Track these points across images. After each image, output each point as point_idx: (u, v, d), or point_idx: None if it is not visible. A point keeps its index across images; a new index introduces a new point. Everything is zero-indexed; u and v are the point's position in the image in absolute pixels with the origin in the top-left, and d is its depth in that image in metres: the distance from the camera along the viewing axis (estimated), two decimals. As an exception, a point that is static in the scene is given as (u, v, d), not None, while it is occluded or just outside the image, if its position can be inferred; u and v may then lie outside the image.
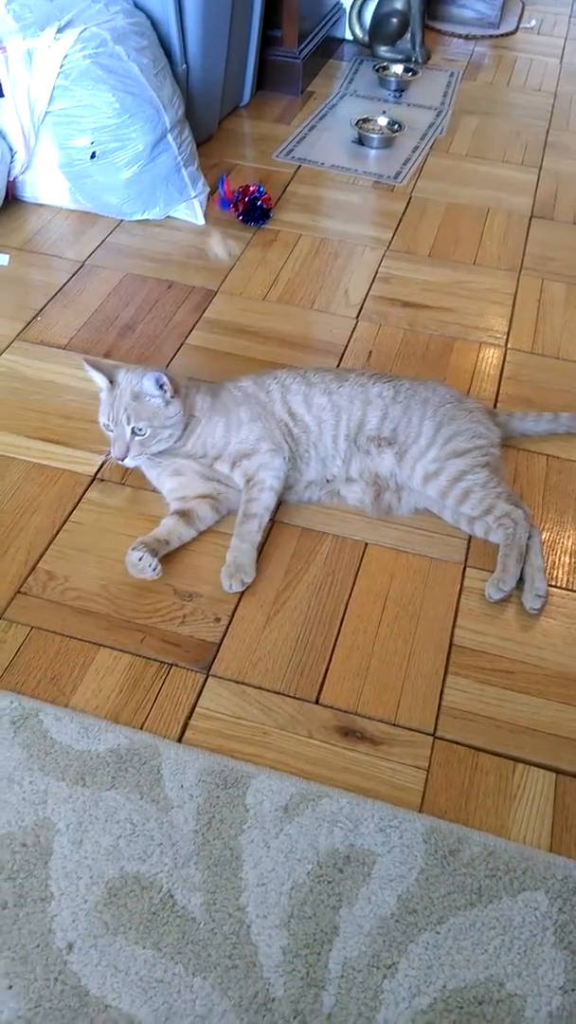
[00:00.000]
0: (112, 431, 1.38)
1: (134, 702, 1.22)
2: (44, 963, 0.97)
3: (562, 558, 1.45)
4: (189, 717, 1.21)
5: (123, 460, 1.38)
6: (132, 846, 1.07)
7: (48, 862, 1.05)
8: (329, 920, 1.02)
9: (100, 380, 1.38)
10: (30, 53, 1.99)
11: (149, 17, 2.17)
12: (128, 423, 1.36)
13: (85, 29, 2.01)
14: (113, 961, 0.98)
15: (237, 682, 1.26)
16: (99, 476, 1.54)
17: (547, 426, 1.63)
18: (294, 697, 1.24)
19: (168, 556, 1.40)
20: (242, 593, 1.37)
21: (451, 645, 1.31)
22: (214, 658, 1.28)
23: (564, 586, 1.40)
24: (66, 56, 1.99)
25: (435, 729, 1.21)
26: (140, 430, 1.36)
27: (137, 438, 1.37)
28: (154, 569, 1.33)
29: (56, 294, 1.95)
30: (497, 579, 1.36)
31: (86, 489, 1.51)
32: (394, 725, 1.21)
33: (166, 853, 1.07)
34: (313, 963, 0.98)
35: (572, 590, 1.40)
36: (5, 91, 2.01)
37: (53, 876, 1.04)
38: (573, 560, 1.44)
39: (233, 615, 1.34)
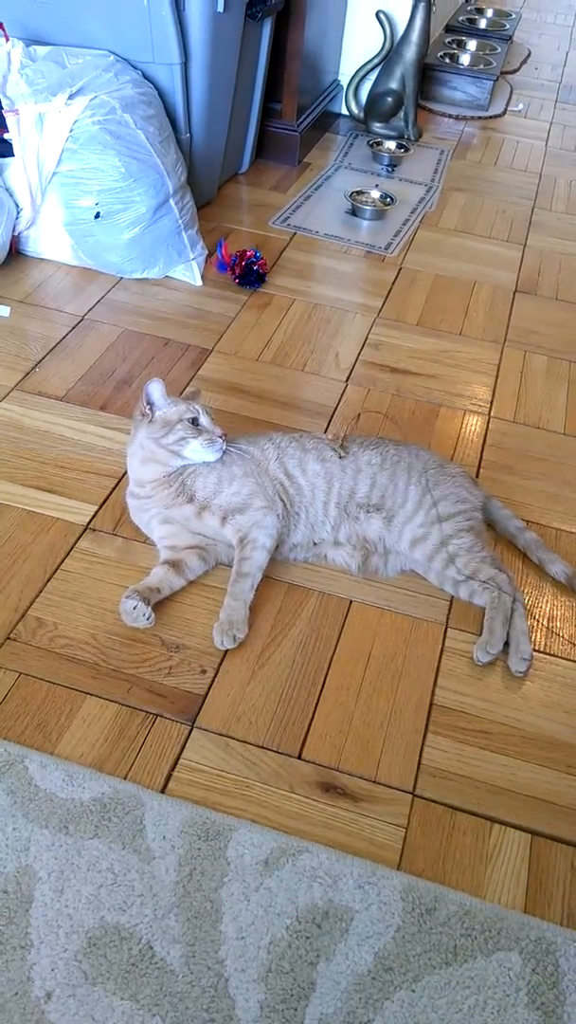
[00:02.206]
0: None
1: (119, 751, 1.24)
2: (22, 1012, 0.98)
3: (540, 622, 1.49)
4: (173, 768, 1.23)
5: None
6: (113, 896, 1.08)
7: (29, 910, 1.06)
8: (306, 975, 1.03)
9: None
10: (41, 117, 2.07)
11: (157, 88, 2.27)
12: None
13: (95, 97, 2.09)
14: (91, 1012, 0.98)
15: (221, 735, 1.28)
16: (91, 526, 1.57)
17: (512, 529, 1.60)
18: (277, 751, 1.26)
19: (156, 607, 1.43)
20: (228, 646, 1.39)
21: (431, 704, 1.34)
22: (199, 710, 1.30)
23: (542, 649, 1.44)
24: (76, 121, 2.07)
25: (414, 787, 1.24)
26: None
27: None
28: (148, 618, 1.36)
29: (55, 347, 2.00)
30: (485, 642, 1.40)
31: (78, 538, 1.54)
32: (374, 782, 1.24)
33: (147, 904, 1.08)
34: (290, 1018, 0.99)
35: (550, 653, 1.44)
36: (15, 151, 2.09)
37: (33, 924, 1.05)
38: (551, 624, 1.49)
39: (219, 668, 1.36)
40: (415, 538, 1.48)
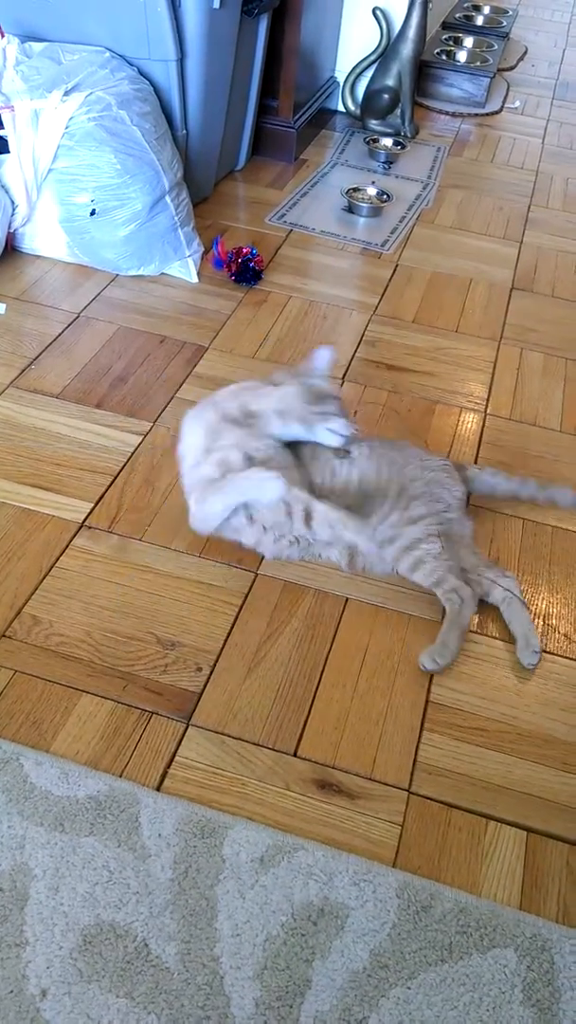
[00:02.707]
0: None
1: (114, 749, 1.24)
2: (17, 1009, 0.97)
3: (535, 620, 1.49)
4: (168, 766, 1.23)
5: None
6: (108, 894, 1.08)
7: (24, 907, 1.06)
8: (302, 973, 1.03)
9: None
10: (37, 113, 2.06)
11: (153, 84, 2.26)
12: None
13: (91, 93, 2.09)
14: (86, 1009, 0.98)
15: (217, 732, 1.27)
16: (86, 523, 1.57)
17: (513, 487, 1.66)
18: (273, 749, 1.26)
19: (152, 605, 1.43)
20: (224, 643, 1.39)
21: (427, 702, 1.34)
22: (195, 708, 1.30)
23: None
24: (71, 118, 2.06)
25: (410, 784, 1.24)
26: None
27: None
28: (279, 487, 1.38)
29: (51, 344, 1.99)
30: (435, 651, 1.37)
31: (73, 536, 1.54)
32: (370, 779, 1.24)
33: (142, 902, 1.07)
34: (285, 1016, 0.99)
35: (546, 651, 1.44)
36: (11, 148, 2.08)
37: (28, 922, 1.05)
38: (546, 622, 1.49)
39: (215, 665, 1.36)
40: (384, 539, 1.47)
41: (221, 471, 1.43)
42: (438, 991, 1.02)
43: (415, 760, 1.26)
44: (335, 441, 1.47)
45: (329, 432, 1.47)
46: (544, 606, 1.51)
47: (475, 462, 1.79)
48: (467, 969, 1.05)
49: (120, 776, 1.20)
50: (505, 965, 1.05)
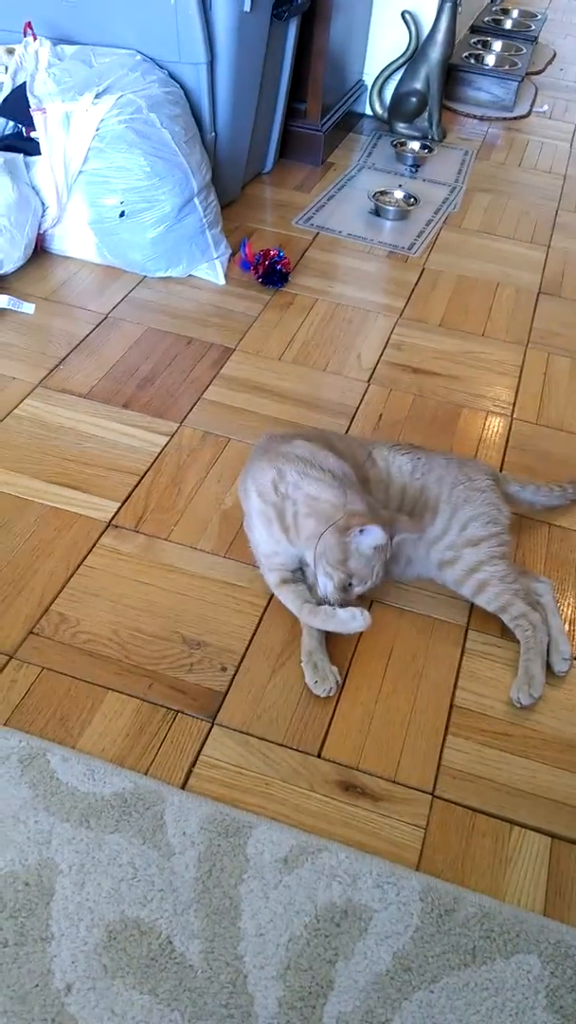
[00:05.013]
0: None
1: (140, 747, 1.25)
2: (42, 1003, 0.98)
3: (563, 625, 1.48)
4: (193, 764, 1.23)
5: None
6: (133, 890, 1.09)
7: (50, 902, 1.07)
8: (325, 974, 1.03)
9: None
10: (68, 115, 2.08)
11: (183, 87, 2.28)
12: None
13: (122, 96, 2.10)
14: (111, 1005, 0.99)
15: (241, 732, 1.28)
16: (113, 523, 1.58)
17: (556, 500, 1.65)
18: (297, 750, 1.27)
19: (177, 604, 1.44)
20: (248, 644, 1.40)
21: (452, 706, 1.34)
22: (219, 707, 1.31)
23: (563, 653, 1.44)
24: (102, 120, 2.08)
25: (434, 788, 1.23)
26: None
27: None
28: (363, 624, 1.32)
29: (79, 344, 2.01)
30: (524, 684, 1.35)
31: (101, 534, 1.55)
32: (394, 782, 1.24)
33: (166, 899, 1.08)
34: (308, 1016, 0.99)
35: (572, 657, 1.43)
36: (42, 149, 2.10)
37: (54, 916, 1.05)
38: (573, 628, 1.48)
39: (239, 665, 1.37)
40: (443, 560, 1.43)
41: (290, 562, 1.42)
42: (461, 995, 1.02)
43: (439, 764, 1.26)
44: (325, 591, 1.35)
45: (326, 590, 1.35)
46: (570, 612, 1.51)
47: (501, 467, 1.79)
48: (490, 974, 1.04)
49: (145, 774, 1.21)
50: (528, 971, 1.05)
